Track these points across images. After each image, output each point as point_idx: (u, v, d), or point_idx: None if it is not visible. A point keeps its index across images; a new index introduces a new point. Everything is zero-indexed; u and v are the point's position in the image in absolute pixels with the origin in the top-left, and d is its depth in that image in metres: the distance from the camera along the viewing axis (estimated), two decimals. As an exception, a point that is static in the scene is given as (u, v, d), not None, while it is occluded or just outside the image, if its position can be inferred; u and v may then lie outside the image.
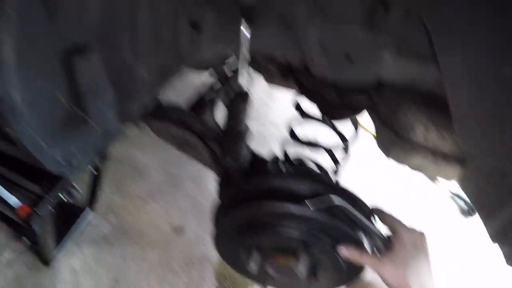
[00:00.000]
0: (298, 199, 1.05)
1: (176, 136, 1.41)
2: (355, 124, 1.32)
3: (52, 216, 1.71)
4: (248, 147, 1.28)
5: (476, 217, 2.64)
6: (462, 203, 2.73)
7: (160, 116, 1.37)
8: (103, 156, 1.56)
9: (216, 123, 1.35)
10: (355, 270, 1.18)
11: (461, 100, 0.76)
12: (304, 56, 1.04)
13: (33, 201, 1.56)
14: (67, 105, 0.91)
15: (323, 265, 1.16)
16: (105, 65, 0.92)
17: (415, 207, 2.64)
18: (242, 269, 1.33)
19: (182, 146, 1.43)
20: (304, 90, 1.16)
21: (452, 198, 2.78)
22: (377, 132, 1.26)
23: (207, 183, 2.44)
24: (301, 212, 1.05)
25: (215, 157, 1.35)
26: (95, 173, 1.94)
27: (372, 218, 1.12)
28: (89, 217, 2.14)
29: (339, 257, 1.09)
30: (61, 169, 1.01)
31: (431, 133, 1.06)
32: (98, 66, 0.91)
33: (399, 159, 1.19)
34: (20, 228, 1.90)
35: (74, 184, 1.68)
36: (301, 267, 1.13)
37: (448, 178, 1.18)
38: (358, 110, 1.18)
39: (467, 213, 2.70)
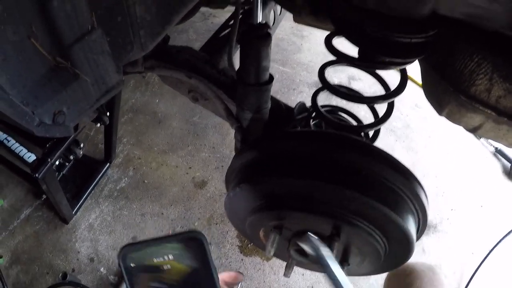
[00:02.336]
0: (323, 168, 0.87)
1: (186, 84, 1.23)
2: (403, 73, 1.07)
3: (70, 173, 1.62)
4: (268, 95, 1.08)
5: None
6: (506, 162, 2.48)
7: (165, 60, 1.18)
8: (104, 111, 1.41)
9: (232, 68, 1.14)
10: (395, 259, 1.02)
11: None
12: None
13: (38, 159, 1.45)
14: (48, 56, 0.77)
15: (357, 250, 1.01)
16: (90, 3, 0.76)
17: (454, 164, 2.43)
18: (260, 245, 1.18)
19: (194, 95, 1.25)
20: (339, 25, 0.93)
21: (496, 156, 2.53)
22: (427, 83, 1.03)
23: (231, 134, 2.28)
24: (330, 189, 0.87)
25: (228, 108, 1.17)
26: (106, 126, 1.82)
27: (413, 180, 0.93)
28: (108, 172, 2.05)
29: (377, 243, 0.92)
30: (49, 131, 0.88)
31: (496, 86, 0.82)
32: (82, 6, 0.75)
33: (453, 118, 0.98)
34: (39, 185, 1.85)
35: (79, 142, 1.55)
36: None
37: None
38: (406, 54, 0.93)
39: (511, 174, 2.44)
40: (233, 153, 2.16)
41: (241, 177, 1.01)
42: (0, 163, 1.74)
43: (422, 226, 0.99)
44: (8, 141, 1.48)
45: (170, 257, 0.56)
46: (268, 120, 1.14)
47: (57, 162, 1.83)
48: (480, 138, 2.57)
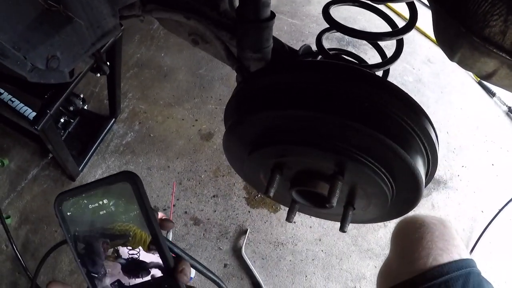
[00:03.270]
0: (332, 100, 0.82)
1: (185, 27, 1.18)
2: (412, 8, 0.99)
3: (75, 128, 1.61)
4: (269, 33, 1.02)
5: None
6: None
7: (164, 2, 1.13)
8: (100, 58, 1.37)
9: (233, 9, 1.09)
10: (403, 204, 0.98)
11: None
12: None
13: (37, 112, 1.43)
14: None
15: (363, 192, 0.96)
16: None
17: (466, 121, 2.37)
18: (260, 188, 1.15)
19: (194, 38, 1.20)
20: None
21: (508, 115, 2.45)
22: (439, 27, 0.96)
23: (238, 86, 2.24)
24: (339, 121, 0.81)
25: (228, 48, 1.12)
26: (109, 79, 1.78)
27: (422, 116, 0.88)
28: (113, 127, 2.03)
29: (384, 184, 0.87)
30: (43, 77, 0.86)
31: (512, 28, 0.76)
32: None
33: (466, 63, 0.89)
34: (44, 143, 1.85)
35: (78, 93, 1.52)
36: (332, 193, 0.92)
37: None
38: None
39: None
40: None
41: (240, 111, 0.98)
42: (6, 125, 1.73)
43: (432, 168, 0.95)
44: (13, 102, 1.46)
45: (105, 201, 0.54)
46: (270, 61, 1.08)
47: (62, 120, 1.83)
48: (494, 96, 2.50)
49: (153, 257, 0.57)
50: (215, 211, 1.84)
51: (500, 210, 1.97)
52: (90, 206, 0.54)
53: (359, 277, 1.76)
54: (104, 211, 0.54)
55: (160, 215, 0.61)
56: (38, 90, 1.41)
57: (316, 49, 1.13)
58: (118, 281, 0.57)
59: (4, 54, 0.75)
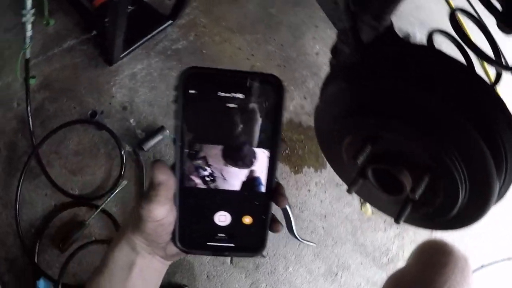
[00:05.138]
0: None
1: None
2: None
3: (130, 16, 1.46)
4: (397, 4, 0.90)
5: None
6: None
7: None
8: None
9: None
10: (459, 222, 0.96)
11: None
12: None
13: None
14: None
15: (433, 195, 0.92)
16: None
17: None
18: (334, 154, 1.10)
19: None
20: None
21: None
22: None
23: (304, 39, 2.08)
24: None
25: (348, 3, 0.96)
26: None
27: None
28: (169, 28, 1.89)
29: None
30: None
31: None
32: None
33: None
34: (91, 21, 1.72)
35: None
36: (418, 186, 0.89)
37: None
38: None
39: None
40: (300, 59, 1.98)
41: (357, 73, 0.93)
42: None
43: (498, 197, 0.92)
44: None
45: (239, 95, 0.48)
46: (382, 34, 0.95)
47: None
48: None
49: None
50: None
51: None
52: (220, 93, 0.48)
53: (344, 266, 1.73)
54: (234, 105, 0.48)
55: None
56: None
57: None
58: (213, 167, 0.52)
59: None
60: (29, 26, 1.40)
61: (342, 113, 0.97)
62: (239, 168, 0.51)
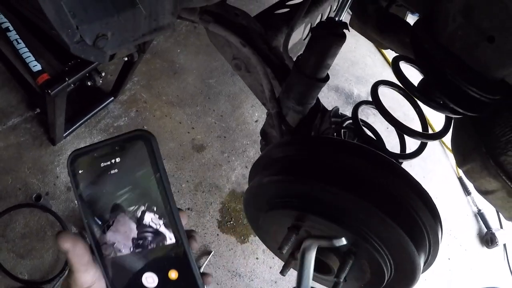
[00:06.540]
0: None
1: (233, 49, 1.16)
2: (448, 120, 1.03)
3: (71, 95, 1.53)
4: (318, 92, 1.05)
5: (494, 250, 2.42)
6: (483, 227, 2.48)
7: (222, 19, 1.11)
8: (142, 48, 1.33)
9: (286, 51, 1.07)
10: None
11: None
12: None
13: (55, 75, 1.36)
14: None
15: (361, 271, 0.99)
16: None
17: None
18: (266, 240, 1.18)
19: (238, 63, 1.18)
20: (420, 54, 0.86)
21: (476, 217, 2.53)
22: (458, 133, 1.02)
23: (243, 108, 2.23)
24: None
25: (274, 90, 1.11)
26: (128, 62, 1.73)
27: (437, 221, 0.92)
28: (111, 105, 1.97)
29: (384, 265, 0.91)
30: (85, 52, 0.82)
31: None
32: None
33: (471, 175, 0.97)
34: (36, 97, 1.76)
35: (100, 71, 1.47)
36: (342, 270, 0.96)
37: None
38: (469, 107, 0.87)
39: (485, 241, 2.43)
40: (240, 128, 2.11)
41: (282, 168, 0.99)
42: (2, 62, 1.64)
43: (426, 266, 1.00)
44: (18, 43, 1.40)
45: (118, 160, 0.52)
46: (306, 117, 1.09)
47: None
48: (468, 195, 2.59)
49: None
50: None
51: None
52: (102, 164, 0.52)
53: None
54: (116, 170, 0.52)
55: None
56: (60, 53, 1.35)
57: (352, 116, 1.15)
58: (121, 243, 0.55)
59: (59, 16, 0.71)
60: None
61: (264, 207, 1.03)
62: (143, 231, 0.54)
